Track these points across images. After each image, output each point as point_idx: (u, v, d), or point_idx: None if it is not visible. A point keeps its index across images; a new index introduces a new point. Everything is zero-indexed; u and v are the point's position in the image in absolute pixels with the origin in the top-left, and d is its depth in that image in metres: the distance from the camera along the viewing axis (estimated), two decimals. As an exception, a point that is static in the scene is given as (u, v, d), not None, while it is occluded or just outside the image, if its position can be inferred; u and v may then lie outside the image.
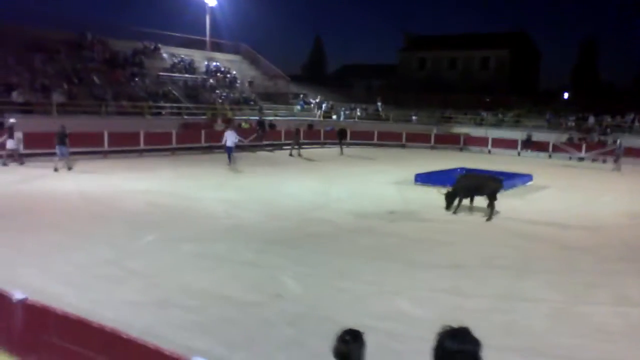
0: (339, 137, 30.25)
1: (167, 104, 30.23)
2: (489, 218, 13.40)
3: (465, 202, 14.24)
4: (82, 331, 4.61)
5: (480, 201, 14.09)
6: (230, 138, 22.06)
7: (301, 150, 28.00)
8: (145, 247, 10.14)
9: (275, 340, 6.40)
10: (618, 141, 28.69)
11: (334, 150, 29.51)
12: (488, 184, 13.82)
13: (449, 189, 14.33)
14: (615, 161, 27.01)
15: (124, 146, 23.97)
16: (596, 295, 8.39)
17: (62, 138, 18.84)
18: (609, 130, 33.40)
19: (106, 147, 23.34)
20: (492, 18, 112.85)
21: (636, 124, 35.10)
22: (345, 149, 29.71)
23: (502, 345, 6.37)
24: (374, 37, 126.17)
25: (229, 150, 22.06)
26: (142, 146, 24.73)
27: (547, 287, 8.72)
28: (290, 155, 27.43)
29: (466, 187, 14.09)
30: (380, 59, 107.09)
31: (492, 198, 13.50)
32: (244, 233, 11.49)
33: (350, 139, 33.77)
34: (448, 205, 14.05)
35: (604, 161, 29.74)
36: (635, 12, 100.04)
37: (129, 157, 23.29)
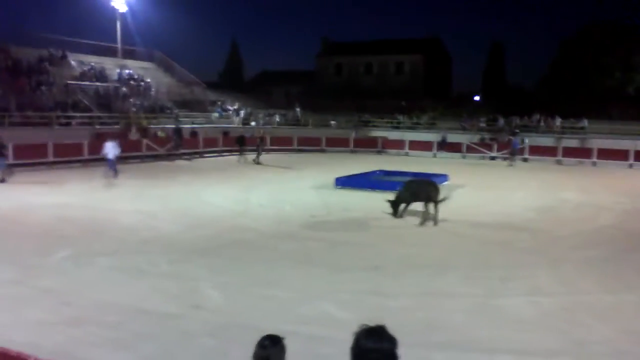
0: (239, 144, 28.93)
1: (77, 114, 28.96)
2: (435, 223, 13.31)
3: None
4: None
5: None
6: (110, 150, 19.98)
7: (245, 157, 27.86)
8: (57, 264, 9.60)
9: (196, 352, 6.22)
10: (514, 140, 30.92)
11: (253, 157, 28.96)
12: (425, 190, 13.71)
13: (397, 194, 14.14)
14: (509, 157, 29.79)
15: (31, 159, 22.75)
16: (511, 288, 8.75)
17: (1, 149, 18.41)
18: (517, 130, 35.11)
19: (10, 159, 21.99)
20: (406, 25, 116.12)
21: (542, 123, 37.21)
22: (259, 156, 28.78)
23: (424, 341, 6.52)
24: (291, 43, 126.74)
25: (110, 163, 19.94)
26: (51, 158, 23.56)
27: (465, 282, 9.01)
28: (257, 162, 27.05)
29: (411, 193, 13.98)
30: (298, 65, 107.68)
31: (431, 203, 13.49)
32: (162, 244, 11.13)
33: (270, 145, 33.67)
34: (395, 212, 13.93)
35: (508, 160, 31.25)
36: (539, 17, 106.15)
37: (37, 170, 22.12)
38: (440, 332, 6.94)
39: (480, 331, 6.98)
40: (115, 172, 20.01)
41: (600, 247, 11.45)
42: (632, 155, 28.85)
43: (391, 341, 2.52)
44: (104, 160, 20.08)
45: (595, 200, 17.70)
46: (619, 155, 29.14)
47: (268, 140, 29.02)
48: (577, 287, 8.82)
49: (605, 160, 29.13)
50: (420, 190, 13.91)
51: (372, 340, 2.49)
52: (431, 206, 13.52)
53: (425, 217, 13.51)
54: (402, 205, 14.11)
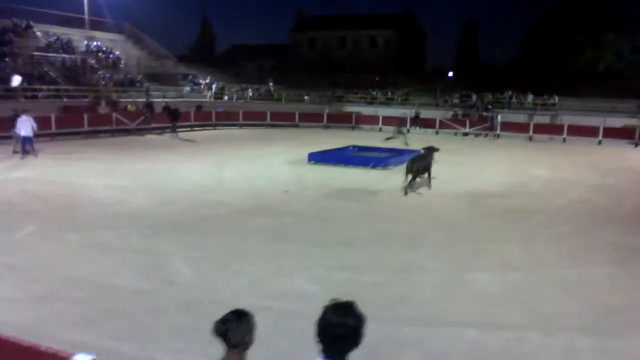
0: (171, 118, 27.70)
1: (44, 86, 28.21)
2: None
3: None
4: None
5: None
6: (25, 126, 18.20)
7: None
8: (23, 240, 9.37)
9: (167, 327, 6.14)
10: (490, 115, 32.57)
11: (226, 132, 28.79)
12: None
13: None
14: (488, 132, 31.82)
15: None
16: (480, 263, 8.83)
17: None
18: (489, 106, 35.41)
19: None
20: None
21: (513, 100, 37.58)
22: (223, 131, 28.13)
23: (394, 316, 6.56)
24: (264, 17, 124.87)
25: (24, 141, 18.33)
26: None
27: (435, 257, 9.07)
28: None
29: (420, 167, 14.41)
30: (271, 39, 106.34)
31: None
32: (133, 219, 10.96)
33: (243, 120, 33.39)
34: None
35: (486, 135, 31.74)
36: None
37: (1, 144, 21.49)
38: (410, 306, 6.99)
39: (449, 305, 7.04)
40: (34, 150, 18.69)
41: (569, 222, 11.64)
42: (601, 132, 29.35)
43: (357, 319, 2.51)
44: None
45: (565, 175, 17.98)
46: (589, 131, 29.59)
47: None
48: (545, 262, 8.95)
49: (575, 137, 29.58)
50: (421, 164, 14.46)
51: (338, 315, 2.48)
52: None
53: (407, 189, 13.77)
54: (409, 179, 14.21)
